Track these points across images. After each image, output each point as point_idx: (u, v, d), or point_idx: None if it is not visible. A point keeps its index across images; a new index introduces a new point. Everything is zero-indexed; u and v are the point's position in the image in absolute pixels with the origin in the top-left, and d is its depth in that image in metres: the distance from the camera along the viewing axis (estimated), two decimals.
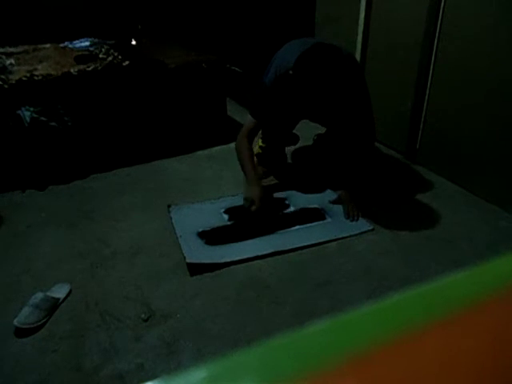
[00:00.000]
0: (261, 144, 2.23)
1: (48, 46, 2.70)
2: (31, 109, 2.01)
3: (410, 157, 2.31)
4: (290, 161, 2.35)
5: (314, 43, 1.60)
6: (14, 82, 1.99)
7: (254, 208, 1.75)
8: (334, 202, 1.92)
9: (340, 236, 1.69)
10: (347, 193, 1.91)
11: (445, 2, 1.92)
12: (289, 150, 2.41)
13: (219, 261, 1.56)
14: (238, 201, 1.96)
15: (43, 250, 1.66)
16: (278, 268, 1.55)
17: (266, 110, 1.81)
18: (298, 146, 2.47)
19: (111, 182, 2.16)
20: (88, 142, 2.21)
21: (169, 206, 1.91)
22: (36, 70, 2.14)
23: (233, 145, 2.57)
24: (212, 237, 1.71)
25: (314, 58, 1.52)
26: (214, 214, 1.86)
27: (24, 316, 1.30)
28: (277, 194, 2.01)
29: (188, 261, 1.54)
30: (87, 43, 2.70)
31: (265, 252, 1.60)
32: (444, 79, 2.02)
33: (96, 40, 2.75)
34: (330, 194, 2.01)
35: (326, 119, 2.02)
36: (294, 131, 2.27)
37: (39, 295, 1.36)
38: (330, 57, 1.52)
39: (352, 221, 1.79)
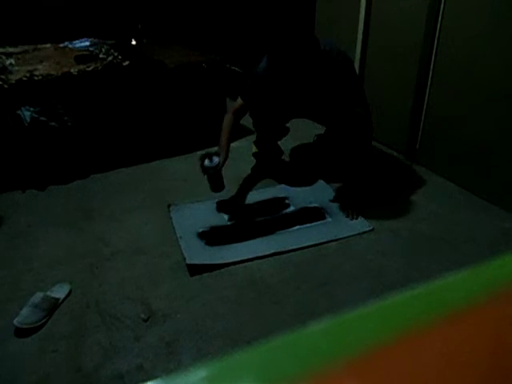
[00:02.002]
0: (255, 150, 2.24)
1: (48, 46, 2.70)
2: (31, 109, 2.01)
3: (409, 157, 2.31)
4: (288, 159, 2.35)
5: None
6: (13, 81, 1.99)
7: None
8: (333, 201, 1.93)
9: (340, 236, 1.69)
10: (346, 191, 1.92)
11: (445, 2, 1.92)
12: (288, 148, 2.41)
13: (219, 261, 1.56)
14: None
15: (43, 250, 1.66)
16: (277, 268, 1.55)
17: (254, 93, 1.90)
18: (297, 144, 2.47)
19: (111, 181, 2.16)
20: (88, 142, 2.21)
21: (169, 206, 1.91)
22: (36, 69, 2.14)
23: (233, 144, 2.57)
24: (212, 237, 1.71)
25: (281, 43, 1.63)
26: (213, 214, 1.86)
27: (24, 316, 1.30)
28: (277, 194, 2.01)
29: (188, 262, 1.54)
30: (87, 43, 2.69)
31: (265, 253, 1.60)
32: (444, 79, 2.02)
33: (96, 40, 2.75)
34: (328, 192, 2.01)
35: (315, 109, 2.04)
36: (292, 128, 2.27)
37: (39, 295, 1.36)
38: (297, 41, 1.61)
39: (352, 219, 1.79)
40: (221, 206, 1.94)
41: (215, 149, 1.87)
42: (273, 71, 1.72)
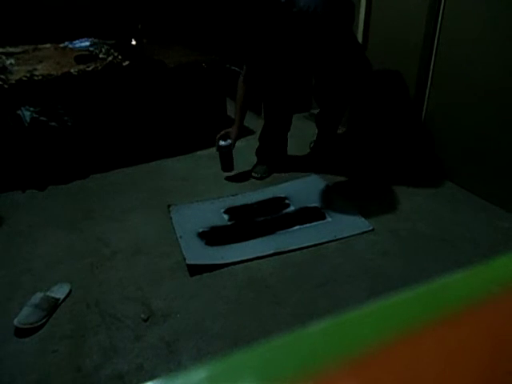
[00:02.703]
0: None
1: (48, 46, 2.70)
2: (31, 109, 2.01)
3: (410, 156, 2.31)
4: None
5: None
6: (14, 82, 1.99)
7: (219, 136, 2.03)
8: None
9: (340, 236, 1.69)
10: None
11: (445, 2, 1.92)
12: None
13: (219, 261, 1.56)
14: (238, 201, 1.97)
15: (43, 250, 1.66)
16: (277, 268, 1.55)
17: (249, 51, 1.95)
18: (297, 144, 2.46)
19: (111, 181, 2.16)
20: (88, 142, 2.21)
21: (169, 206, 1.91)
22: (36, 70, 2.14)
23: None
24: (212, 237, 1.71)
25: None
26: (214, 214, 1.86)
27: (24, 316, 1.30)
28: (277, 194, 2.01)
29: (188, 262, 1.54)
30: (87, 43, 2.70)
31: (265, 253, 1.60)
32: (444, 79, 2.02)
33: (96, 40, 2.75)
34: (326, 189, 2.02)
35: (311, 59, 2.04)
36: (292, 129, 2.27)
37: (39, 295, 1.36)
38: None
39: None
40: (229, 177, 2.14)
41: None
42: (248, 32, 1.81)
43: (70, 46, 2.70)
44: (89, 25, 3.08)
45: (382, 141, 2.45)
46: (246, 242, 1.67)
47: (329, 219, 1.81)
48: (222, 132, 2.06)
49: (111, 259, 1.60)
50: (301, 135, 2.52)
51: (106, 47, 2.51)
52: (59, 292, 1.42)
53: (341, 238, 1.68)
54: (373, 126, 2.53)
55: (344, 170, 2.23)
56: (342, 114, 2.22)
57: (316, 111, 2.69)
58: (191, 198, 1.99)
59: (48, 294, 1.39)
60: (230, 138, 2.05)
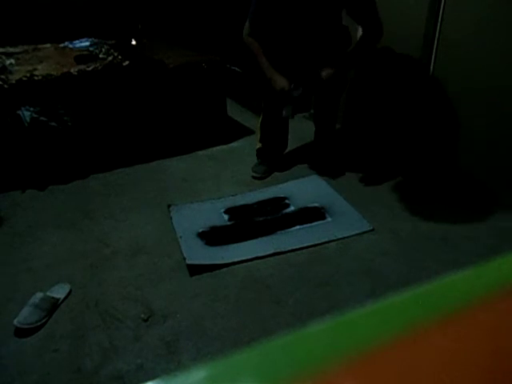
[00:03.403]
0: (259, 146, 2.24)
1: (48, 46, 2.70)
2: (31, 109, 2.01)
3: (411, 157, 2.31)
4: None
5: None
6: (14, 82, 1.99)
7: (285, 87, 1.90)
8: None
9: (340, 236, 1.69)
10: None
11: (445, 1, 1.92)
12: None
13: (219, 262, 1.56)
14: (238, 201, 1.97)
15: (43, 250, 1.66)
16: (277, 268, 1.55)
17: (258, 17, 1.92)
18: (297, 143, 2.47)
19: (111, 181, 2.16)
20: (88, 142, 2.21)
21: (169, 206, 1.91)
22: (36, 70, 2.14)
23: (233, 144, 2.57)
24: (212, 237, 1.71)
25: None
26: (214, 214, 1.86)
27: (24, 316, 1.30)
28: (277, 194, 2.01)
29: (188, 262, 1.54)
30: (87, 43, 2.70)
31: (265, 253, 1.60)
32: (444, 79, 2.02)
33: (96, 40, 2.75)
34: (326, 190, 2.02)
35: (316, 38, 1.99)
36: (291, 128, 2.26)
37: (39, 295, 1.36)
38: None
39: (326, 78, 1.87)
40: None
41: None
42: None
43: (70, 45, 2.70)
44: (89, 25, 3.08)
45: (381, 140, 2.45)
46: (246, 242, 1.67)
47: (329, 219, 1.81)
48: (286, 85, 1.92)
49: (111, 259, 1.60)
50: (301, 135, 2.52)
51: (106, 47, 2.51)
52: (59, 292, 1.42)
53: (341, 238, 1.68)
54: (369, 123, 2.52)
55: (344, 169, 2.23)
56: (339, 98, 2.15)
57: None
58: (191, 198, 1.99)
59: (48, 293, 1.39)
60: (296, 88, 1.92)
